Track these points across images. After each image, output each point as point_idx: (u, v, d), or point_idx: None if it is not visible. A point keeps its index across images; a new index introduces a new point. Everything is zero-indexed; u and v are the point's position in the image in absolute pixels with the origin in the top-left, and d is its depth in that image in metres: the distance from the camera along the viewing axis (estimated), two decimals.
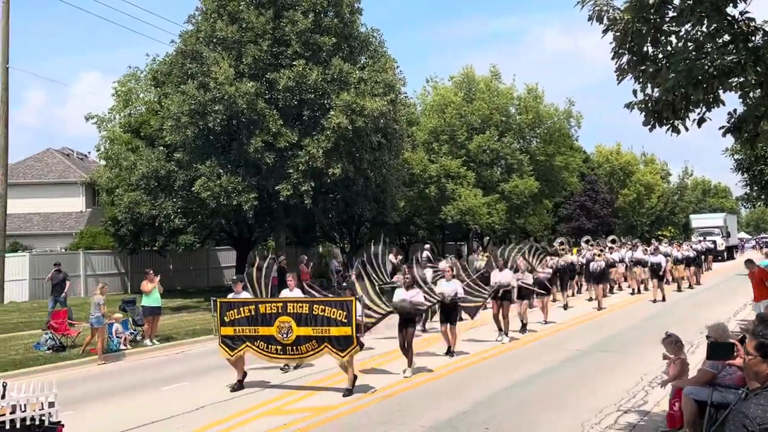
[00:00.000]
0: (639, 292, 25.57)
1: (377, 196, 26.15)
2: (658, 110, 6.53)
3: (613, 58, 6.74)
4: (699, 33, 6.38)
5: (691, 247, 31.21)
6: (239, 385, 10.90)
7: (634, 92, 6.73)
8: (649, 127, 6.72)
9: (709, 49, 6.29)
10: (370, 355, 13.31)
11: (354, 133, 22.13)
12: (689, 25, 6.37)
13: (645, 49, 6.61)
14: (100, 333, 14.26)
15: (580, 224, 44.23)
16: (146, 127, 26.27)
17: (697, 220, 55.26)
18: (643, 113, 6.69)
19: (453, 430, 8.33)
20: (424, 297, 12.48)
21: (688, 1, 6.10)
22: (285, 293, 12.35)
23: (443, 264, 16.38)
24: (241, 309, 10.81)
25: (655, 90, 6.58)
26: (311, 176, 22.10)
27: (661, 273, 23.12)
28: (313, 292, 13.04)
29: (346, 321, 10.11)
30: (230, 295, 11.78)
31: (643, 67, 6.61)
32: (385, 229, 33.26)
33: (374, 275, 15.37)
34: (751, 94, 6.44)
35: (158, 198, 23.22)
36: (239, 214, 23.40)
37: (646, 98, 6.67)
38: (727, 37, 6.26)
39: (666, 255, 25.71)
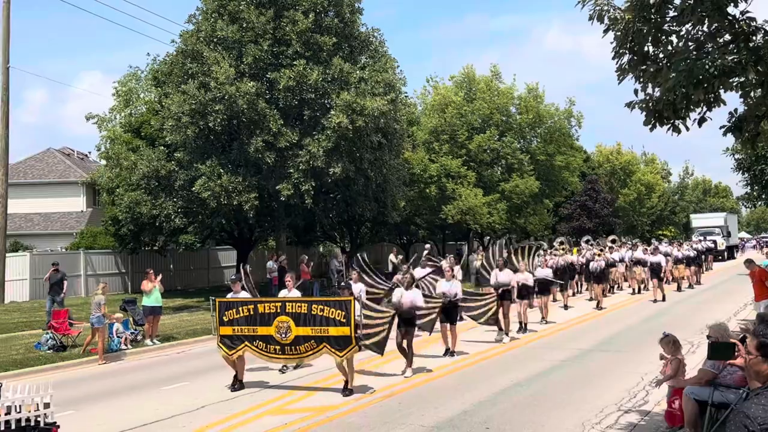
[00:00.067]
0: (639, 292, 25.60)
1: (378, 195, 26.14)
2: (659, 110, 6.53)
3: (613, 58, 6.74)
4: (700, 33, 6.39)
5: (691, 246, 31.21)
6: (240, 385, 10.89)
7: (635, 92, 6.73)
8: (649, 126, 6.71)
9: (710, 49, 6.29)
10: (369, 355, 13.29)
11: (354, 133, 22.13)
12: (690, 24, 6.37)
13: (646, 48, 6.60)
14: (101, 333, 14.26)
15: (581, 224, 44.14)
16: (147, 126, 26.31)
17: (698, 220, 55.32)
18: (644, 113, 6.69)
19: (454, 429, 8.33)
20: (425, 300, 12.44)
21: (689, 1, 6.10)
22: (283, 293, 12.32)
23: (444, 264, 16.34)
24: (240, 309, 10.79)
25: (656, 89, 6.57)
26: (312, 176, 22.11)
27: (661, 273, 23.14)
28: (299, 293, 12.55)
29: (344, 321, 10.10)
30: (229, 295, 11.78)
31: (644, 67, 6.60)
32: (386, 229, 33.29)
33: (371, 280, 15.38)
34: (751, 94, 6.43)
35: (159, 198, 23.23)
36: (240, 214, 23.41)
37: (647, 98, 6.66)
38: (727, 37, 6.27)
39: (666, 255, 25.72)
